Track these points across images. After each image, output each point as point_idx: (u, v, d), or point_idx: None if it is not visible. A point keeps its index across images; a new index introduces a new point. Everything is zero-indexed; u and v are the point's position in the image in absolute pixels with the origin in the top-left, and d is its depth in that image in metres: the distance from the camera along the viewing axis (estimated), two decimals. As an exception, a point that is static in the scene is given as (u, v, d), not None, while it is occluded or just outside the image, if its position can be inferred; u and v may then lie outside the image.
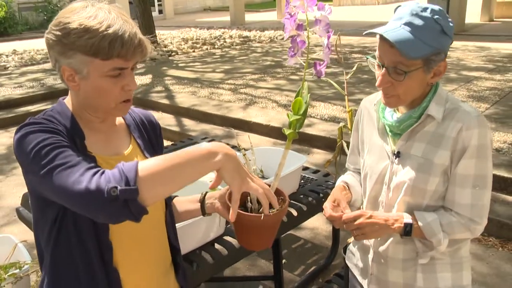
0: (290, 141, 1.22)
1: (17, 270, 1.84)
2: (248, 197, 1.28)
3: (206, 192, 1.38)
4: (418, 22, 1.29)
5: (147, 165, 0.99)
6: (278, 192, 1.28)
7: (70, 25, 1.06)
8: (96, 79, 1.10)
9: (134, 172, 0.96)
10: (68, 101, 1.22)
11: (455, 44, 10.26)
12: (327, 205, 1.48)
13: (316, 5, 1.13)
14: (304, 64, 1.17)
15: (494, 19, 14.52)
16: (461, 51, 9.55)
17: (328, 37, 1.16)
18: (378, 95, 1.49)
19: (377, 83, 1.37)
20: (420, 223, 1.36)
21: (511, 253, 3.22)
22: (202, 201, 1.38)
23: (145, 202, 0.97)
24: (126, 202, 0.95)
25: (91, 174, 0.96)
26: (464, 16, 12.52)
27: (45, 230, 1.16)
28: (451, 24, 1.32)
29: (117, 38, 1.05)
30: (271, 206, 1.26)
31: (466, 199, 1.35)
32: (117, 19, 1.08)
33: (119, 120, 1.30)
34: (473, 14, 14.52)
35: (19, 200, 4.19)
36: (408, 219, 1.38)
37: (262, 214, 1.17)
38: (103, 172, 0.98)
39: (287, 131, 1.20)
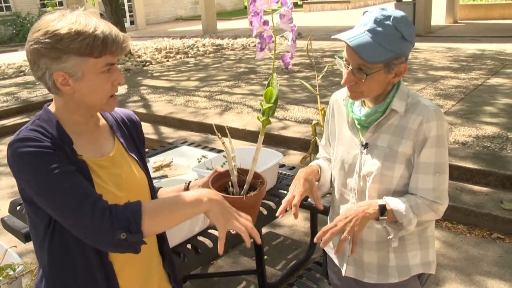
0: (264, 127, 1.34)
1: (12, 272, 1.91)
2: (229, 182, 1.40)
3: (190, 182, 1.50)
4: (380, 29, 1.41)
5: (151, 211, 1.17)
6: (256, 176, 1.41)
7: (60, 31, 1.14)
8: (91, 77, 1.20)
9: (140, 219, 1.14)
10: (52, 107, 1.29)
11: (423, 45, 10.62)
12: (296, 203, 1.52)
13: (278, 1, 1.25)
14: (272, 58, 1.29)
15: (458, 21, 15.04)
16: (428, 52, 9.88)
17: (292, 31, 1.28)
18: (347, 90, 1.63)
19: (342, 81, 1.51)
20: (391, 206, 1.48)
21: (478, 238, 3.42)
22: (187, 190, 1.48)
23: (144, 238, 1.16)
24: (132, 243, 1.14)
25: (100, 214, 1.12)
26: (430, 18, 12.94)
27: (41, 228, 1.24)
28: (412, 30, 1.45)
29: (107, 36, 1.17)
30: (251, 189, 1.39)
31: (428, 184, 1.50)
32: (99, 21, 1.20)
33: (102, 121, 1.39)
34: (439, 17, 15.00)
35: None
36: (381, 201, 1.49)
37: (244, 196, 1.30)
38: (110, 211, 1.13)
39: (261, 118, 1.32)
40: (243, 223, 1.22)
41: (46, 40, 1.15)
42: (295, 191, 1.56)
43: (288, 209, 1.53)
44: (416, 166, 1.51)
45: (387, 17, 1.42)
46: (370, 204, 1.49)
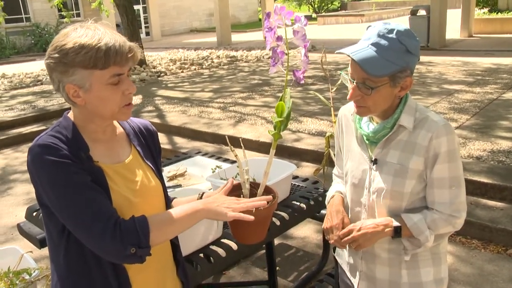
0: (276, 141, 1.34)
1: (27, 276, 1.94)
2: (241, 195, 1.41)
3: (203, 193, 1.52)
4: (384, 43, 1.42)
5: (157, 224, 1.23)
6: (268, 190, 1.42)
7: (66, 45, 1.19)
8: (98, 89, 1.22)
9: (148, 233, 1.20)
10: (71, 115, 1.33)
11: (437, 59, 10.59)
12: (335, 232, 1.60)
13: (293, 17, 1.26)
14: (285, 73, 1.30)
15: (473, 35, 14.98)
16: (443, 65, 9.85)
17: (305, 47, 1.29)
18: None
19: (348, 96, 1.51)
20: (408, 224, 1.50)
21: (492, 254, 3.37)
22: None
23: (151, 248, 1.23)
24: (140, 256, 1.20)
25: (110, 234, 1.16)
26: (444, 32, 12.91)
27: (54, 233, 1.28)
28: (416, 43, 1.45)
29: (110, 47, 1.19)
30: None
31: (445, 198, 1.50)
32: (105, 33, 1.22)
33: (119, 129, 1.42)
34: (453, 30, 14.96)
35: (15, 219, 4.29)
36: (396, 222, 1.51)
37: (254, 209, 1.31)
38: (120, 227, 1.18)
39: (271, 132, 1.32)
40: (239, 208, 1.26)
41: (55, 55, 1.20)
42: (333, 226, 1.61)
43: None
44: (430, 181, 1.51)
45: (390, 31, 1.43)
46: (386, 224, 1.51)
